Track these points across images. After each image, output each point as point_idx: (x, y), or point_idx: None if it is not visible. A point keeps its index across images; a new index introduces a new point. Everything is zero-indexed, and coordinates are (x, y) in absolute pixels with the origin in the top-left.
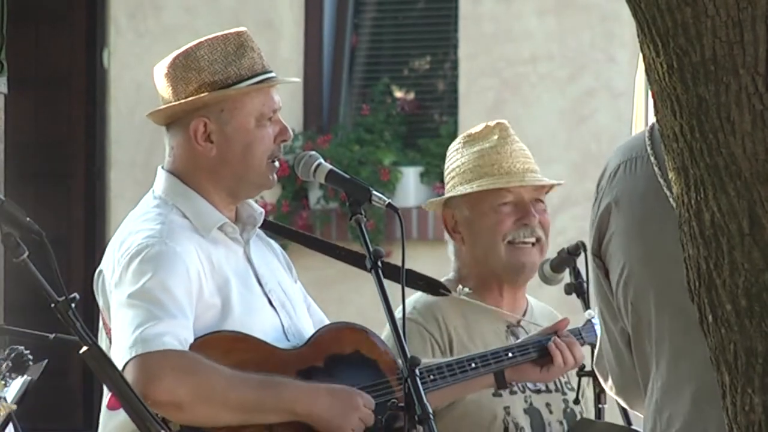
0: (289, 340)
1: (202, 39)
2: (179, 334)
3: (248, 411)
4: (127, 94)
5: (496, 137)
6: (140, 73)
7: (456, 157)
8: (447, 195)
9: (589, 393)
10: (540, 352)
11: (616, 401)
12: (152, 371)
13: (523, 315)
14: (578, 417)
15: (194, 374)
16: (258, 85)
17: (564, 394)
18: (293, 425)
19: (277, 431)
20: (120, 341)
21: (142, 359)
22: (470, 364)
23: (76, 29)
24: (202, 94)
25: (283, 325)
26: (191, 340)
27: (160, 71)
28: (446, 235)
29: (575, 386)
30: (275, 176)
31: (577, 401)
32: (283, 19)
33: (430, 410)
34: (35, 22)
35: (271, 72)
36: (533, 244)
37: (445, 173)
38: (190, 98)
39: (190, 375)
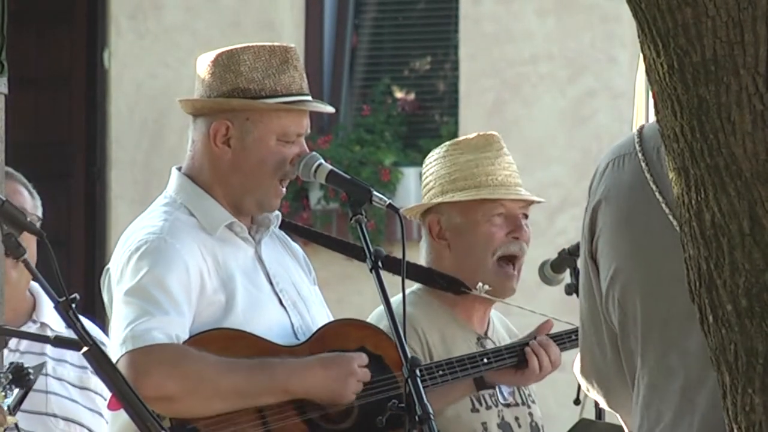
0: (298, 339)
1: (251, 44)
2: (170, 330)
3: (241, 396)
4: (127, 94)
5: (491, 148)
6: (141, 73)
7: (441, 164)
8: (438, 200)
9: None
10: (518, 356)
11: None
12: (140, 367)
13: (487, 326)
14: (541, 429)
15: (181, 366)
16: (288, 105)
17: (528, 407)
18: (285, 406)
19: (268, 412)
20: (114, 338)
21: (131, 355)
22: (438, 371)
23: (76, 29)
24: (233, 98)
25: (292, 324)
26: (185, 336)
27: (203, 62)
28: (423, 240)
29: (535, 398)
30: (279, 201)
31: (578, 402)
32: (283, 20)
33: (431, 410)
34: (36, 23)
35: (307, 95)
36: (515, 267)
37: (428, 179)
38: (220, 98)
39: (177, 367)
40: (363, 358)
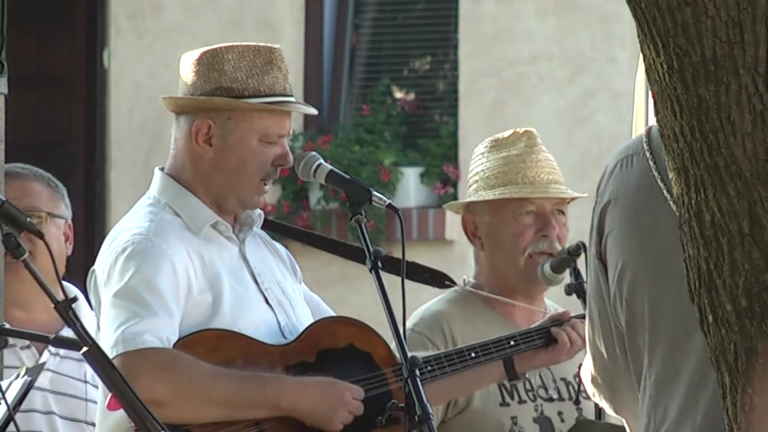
0: (285, 338)
1: (235, 43)
2: (160, 332)
3: (231, 406)
4: (127, 94)
5: (522, 145)
6: (140, 73)
7: (481, 161)
8: (468, 199)
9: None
10: (545, 337)
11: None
12: (131, 370)
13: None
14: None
15: (173, 371)
16: (271, 105)
17: (579, 403)
18: (283, 420)
19: (266, 426)
20: (104, 341)
21: (122, 358)
22: (470, 354)
23: (76, 29)
24: (215, 97)
25: (279, 323)
26: (174, 337)
27: (186, 60)
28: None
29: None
30: (263, 199)
31: (577, 402)
32: (283, 20)
33: (431, 410)
34: (36, 23)
35: (290, 96)
36: (549, 255)
37: (469, 176)
38: (202, 97)
39: (168, 372)
40: (360, 392)
